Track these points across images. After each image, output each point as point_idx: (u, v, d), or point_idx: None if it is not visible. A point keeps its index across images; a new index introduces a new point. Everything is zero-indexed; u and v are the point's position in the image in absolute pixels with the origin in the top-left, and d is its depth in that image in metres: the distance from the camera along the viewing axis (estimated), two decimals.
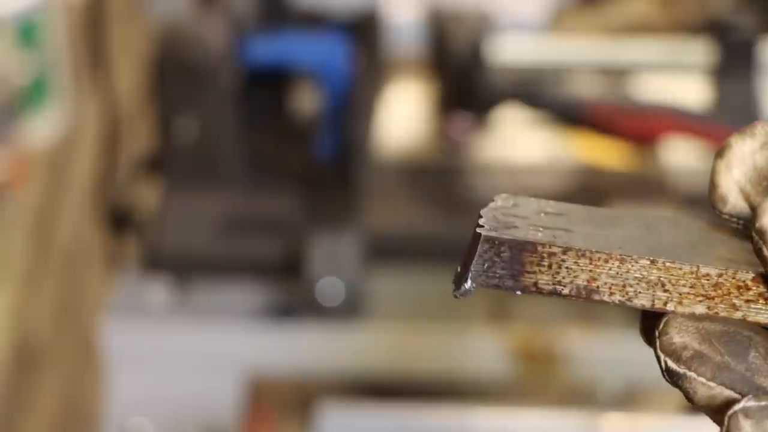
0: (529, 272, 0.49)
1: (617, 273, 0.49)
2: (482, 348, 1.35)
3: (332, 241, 1.34)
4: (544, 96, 1.46)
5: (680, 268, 0.49)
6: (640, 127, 1.45)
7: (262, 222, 1.42)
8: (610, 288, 0.49)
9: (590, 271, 0.49)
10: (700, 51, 1.57)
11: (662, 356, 0.48)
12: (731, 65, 1.53)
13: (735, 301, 0.49)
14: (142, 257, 1.39)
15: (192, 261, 1.39)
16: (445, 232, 1.41)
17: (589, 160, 1.53)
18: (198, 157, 1.43)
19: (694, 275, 0.49)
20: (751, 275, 0.49)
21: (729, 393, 0.47)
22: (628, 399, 1.52)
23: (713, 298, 0.49)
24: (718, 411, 0.48)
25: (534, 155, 1.54)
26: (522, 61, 1.60)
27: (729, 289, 0.49)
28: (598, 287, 0.49)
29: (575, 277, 0.49)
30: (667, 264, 0.49)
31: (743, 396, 0.47)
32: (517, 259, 0.49)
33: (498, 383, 1.44)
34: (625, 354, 1.35)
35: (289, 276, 1.36)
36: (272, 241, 1.39)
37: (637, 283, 0.49)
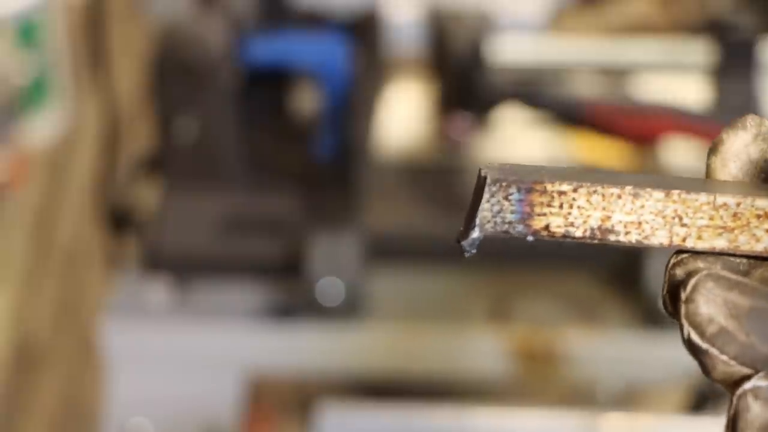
0: (539, 214, 0.47)
1: (632, 209, 0.47)
2: (482, 348, 1.35)
3: (332, 241, 1.34)
4: (544, 96, 1.46)
5: (696, 199, 0.47)
6: (640, 127, 1.45)
7: (262, 222, 1.42)
8: (625, 226, 0.47)
9: (603, 209, 0.47)
10: (700, 51, 1.57)
11: (686, 326, 0.47)
12: (731, 65, 1.53)
13: (756, 231, 0.48)
14: (142, 257, 1.39)
15: (192, 261, 1.39)
16: (445, 232, 1.41)
17: (589, 160, 1.53)
18: (198, 157, 1.43)
19: (711, 206, 0.47)
20: None
21: (748, 371, 0.47)
22: (628, 399, 1.52)
23: (733, 230, 0.48)
24: (733, 385, 0.47)
25: (534, 155, 1.54)
26: (522, 61, 1.60)
27: (749, 219, 0.48)
28: (612, 226, 0.47)
29: (588, 216, 0.47)
30: (683, 195, 0.47)
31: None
32: (526, 201, 0.47)
33: (498, 383, 1.44)
34: (625, 354, 1.35)
35: (289, 276, 1.36)
36: (272, 241, 1.39)
37: (654, 219, 0.47)
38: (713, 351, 0.47)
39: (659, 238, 0.48)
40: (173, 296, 1.39)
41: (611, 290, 1.39)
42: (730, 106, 1.51)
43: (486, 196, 0.47)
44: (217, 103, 1.41)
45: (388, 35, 1.62)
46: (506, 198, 0.47)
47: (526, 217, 0.47)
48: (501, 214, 0.47)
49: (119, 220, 1.47)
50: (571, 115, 1.46)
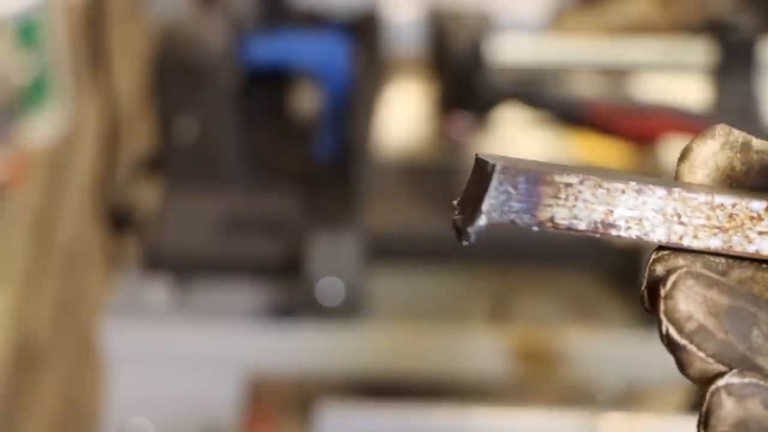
0: (546, 205, 0.47)
1: (634, 205, 0.48)
2: (482, 348, 1.35)
3: (332, 241, 1.34)
4: (544, 96, 1.46)
5: (695, 198, 0.48)
6: (640, 127, 1.45)
7: (262, 222, 1.42)
8: (627, 222, 0.48)
9: (607, 203, 0.47)
10: (700, 51, 1.57)
11: (665, 321, 0.47)
12: (731, 65, 1.53)
13: (749, 233, 0.48)
14: (142, 257, 1.39)
15: (192, 261, 1.39)
16: (445, 232, 1.41)
17: (589, 160, 1.53)
18: (198, 157, 1.43)
19: (708, 205, 0.48)
20: (764, 204, 0.48)
21: (723, 369, 0.47)
22: (628, 399, 1.52)
23: (727, 231, 0.48)
24: (707, 382, 0.47)
25: (534, 155, 1.54)
26: (522, 61, 1.60)
27: (743, 220, 0.48)
28: (615, 221, 0.48)
29: (592, 210, 0.47)
30: (683, 194, 0.48)
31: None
32: (533, 191, 0.47)
33: (498, 383, 1.44)
34: (625, 354, 1.35)
35: (289, 276, 1.36)
36: (272, 241, 1.39)
37: (654, 216, 0.48)
38: (691, 348, 0.47)
39: (658, 234, 0.48)
40: (173, 296, 1.39)
41: (611, 290, 1.39)
42: (730, 106, 1.51)
43: (494, 183, 0.47)
44: (217, 103, 1.41)
45: (388, 35, 1.62)
46: (514, 186, 0.47)
47: (532, 207, 0.47)
48: (508, 203, 0.47)
49: (119, 220, 1.47)
50: (571, 115, 1.46)
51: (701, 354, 0.47)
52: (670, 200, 0.48)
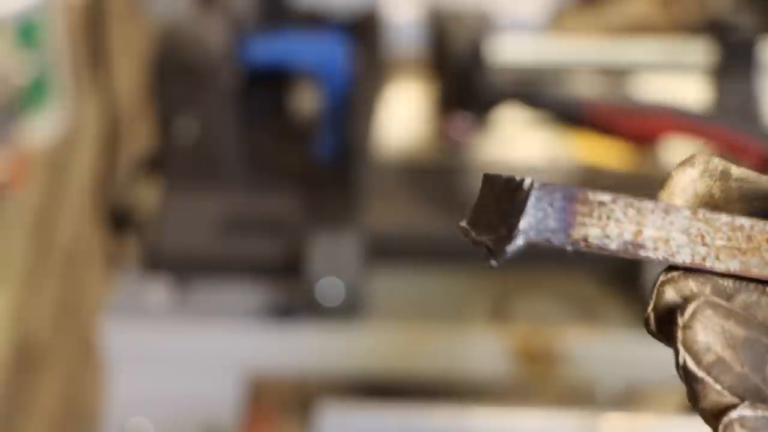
0: (580, 224, 0.47)
1: (662, 225, 0.48)
2: (482, 348, 1.35)
3: (332, 241, 1.34)
4: (544, 96, 1.46)
5: (718, 219, 0.48)
6: (640, 127, 1.45)
7: (262, 222, 1.42)
8: (655, 242, 0.48)
9: (637, 222, 0.47)
10: (700, 51, 1.57)
11: (682, 351, 0.47)
12: (731, 65, 1.53)
13: (765, 255, 0.49)
14: (142, 257, 1.39)
15: (192, 261, 1.39)
16: (445, 232, 1.41)
17: (589, 160, 1.53)
18: (198, 157, 1.43)
19: (729, 226, 0.48)
20: None
21: (735, 401, 0.47)
22: (628, 399, 1.52)
23: (746, 253, 0.49)
24: (717, 414, 0.47)
25: (534, 155, 1.54)
26: (522, 61, 1.60)
27: (760, 242, 0.49)
28: (644, 242, 0.48)
29: (623, 230, 0.47)
30: (707, 215, 0.48)
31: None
32: (569, 210, 0.47)
33: (498, 383, 1.44)
34: (625, 354, 1.35)
35: (289, 276, 1.36)
36: (272, 241, 1.39)
37: (680, 236, 0.48)
38: (708, 380, 0.47)
39: (683, 256, 0.48)
40: (173, 296, 1.39)
41: (611, 290, 1.39)
42: (730, 106, 1.51)
43: (532, 200, 0.46)
44: (217, 103, 1.41)
45: (388, 35, 1.62)
46: (551, 204, 0.47)
47: (567, 226, 0.47)
48: (545, 221, 0.47)
49: (119, 220, 1.47)
50: (571, 115, 1.46)
51: (717, 387, 0.47)
52: (695, 220, 0.48)
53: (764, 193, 0.51)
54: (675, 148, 1.50)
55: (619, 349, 1.35)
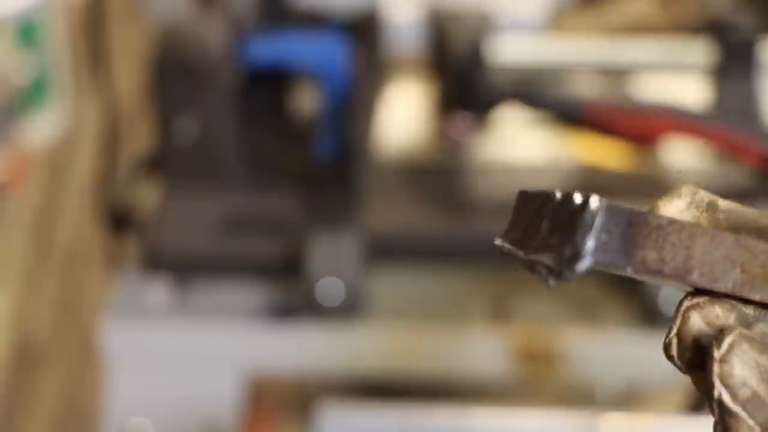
0: (640, 247, 0.47)
1: (708, 251, 0.48)
2: (482, 348, 1.35)
3: (332, 241, 1.34)
4: (544, 96, 1.46)
5: (757, 246, 0.48)
6: (640, 127, 1.45)
7: (262, 222, 1.42)
8: (701, 267, 0.48)
9: (687, 247, 0.47)
10: (700, 51, 1.57)
11: (718, 385, 0.46)
12: (731, 65, 1.53)
13: None
14: (142, 257, 1.39)
15: (192, 261, 1.39)
16: (445, 232, 1.42)
17: (589, 160, 1.53)
18: (198, 157, 1.43)
19: (766, 253, 0.48)
20: None
21: None
22: (628, 399, 1.52)
23: None
24: None
25: (534, 155, 1.54)
26: (522, 61, 1.60)
27: None
28: (692, 266, 0.47)
29: (676, 253, 0.47)
30: (748, 242, 0.48)
31: None
32: (630, 233, 0.46)
33: (498, 383, 1.44)
34: (625, 354, 1.35)
35: (289, 276, 1.36)
36: (272, 241, 1.39)
37: (723, 262, 0.48)
38: (743, 415, 0.47)
39: (724, 282, 0.48)
40: (173, 296, 1.39)
41: (611, 290, 1.39)
42: (730, 106, 1.51)
43: (598, 222, 0.46)
44: (217, 103, 1.41)
45: (388, 35, 1.62)
46: (615, 226, 0.46)
47: (628, 250, 0.47)
48: (609, 244, 0.46)
49: (119, 220, 1.47)
50: (571, 115, 1.46)
51: (751, 422, 0.46)
52: (738, 247, 0.48)
53: (750, 224, 0.51)
54: (675, 148, 1.50)
55: (619, 349, 1.35)
